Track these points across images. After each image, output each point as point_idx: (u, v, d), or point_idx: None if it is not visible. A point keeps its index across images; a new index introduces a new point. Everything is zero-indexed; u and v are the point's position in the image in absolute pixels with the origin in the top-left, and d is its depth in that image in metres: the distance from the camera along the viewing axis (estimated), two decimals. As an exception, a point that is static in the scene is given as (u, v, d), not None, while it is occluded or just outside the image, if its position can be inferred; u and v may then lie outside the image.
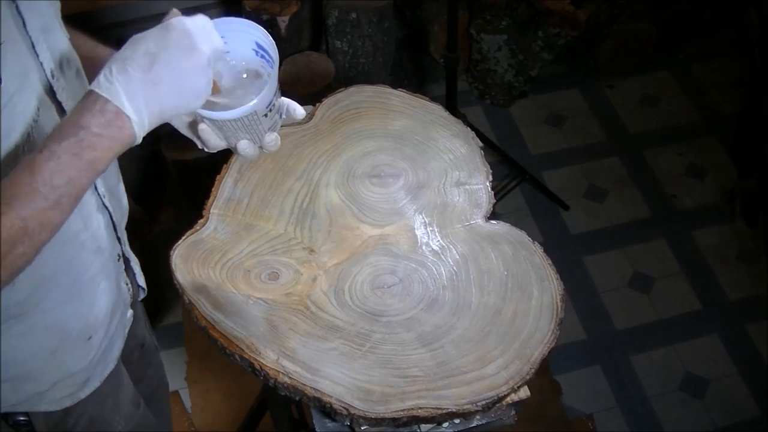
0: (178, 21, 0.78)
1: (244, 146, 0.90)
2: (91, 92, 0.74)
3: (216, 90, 0.85)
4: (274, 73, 0.86)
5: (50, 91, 0.86)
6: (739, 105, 2.85)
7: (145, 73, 0.75)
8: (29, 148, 0.81)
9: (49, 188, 0.72)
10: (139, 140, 0.77)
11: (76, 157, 0.73)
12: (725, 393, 2.22)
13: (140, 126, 0.76)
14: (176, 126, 0.95)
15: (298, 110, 0.95)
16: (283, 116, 0.94)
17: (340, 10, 2.39)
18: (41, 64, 0.84)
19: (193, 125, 0.92)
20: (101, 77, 0.75)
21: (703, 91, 2.99)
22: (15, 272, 0.75)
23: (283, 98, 0.93)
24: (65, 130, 0.73)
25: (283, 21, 2.32)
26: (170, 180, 2.43)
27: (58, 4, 0.91)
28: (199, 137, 0.91)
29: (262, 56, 0.88)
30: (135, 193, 2.26)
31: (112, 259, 1.06)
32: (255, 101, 0.84)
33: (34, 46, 0.83)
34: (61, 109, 0.87)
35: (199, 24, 0.79)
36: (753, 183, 2.59)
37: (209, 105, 0.85)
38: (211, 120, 0.87)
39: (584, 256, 2.51)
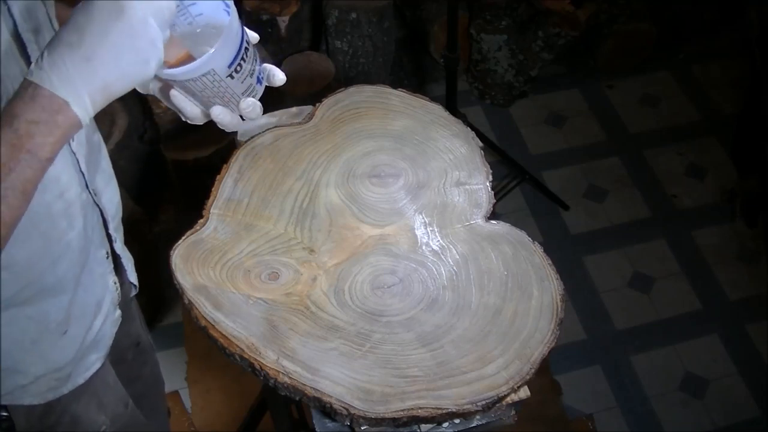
0: None
1: (218, 112, 0.86)
2: (24, 80, 0.71)
3: (184, 56, 0.81)
4: (231, 28, 0.80)
5: None
6: (739, 105, 2.85)
7: (74, 50, 0.69)
8: None
9: None
10: (85, 122, 0.72)
11: (13, 147, 0.68)
12: (725, 393, 2.22)
13: (82, 107, 0.71)
14: (159, 96, 0.90)
15: (278, 75, 0.91)
16: (264, 82, 0.90)
17: (340, 10, 2.39)
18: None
19: (165, 92, 0.87)
20: (33, 63, 0.70)
21: (703, 91, 2.99)
22: None
23: (265, 64, 0.90)
24: (1, 121, 0.69)
25: (283, 21, 2.32)
26: (170, 180, 2.43)
27: (52, 4, 0.90)
28: (174, 105, 0.87)
29: (227, 11, 0.83)
30: (135, 193, 2.26)
31: (100, 257, 1.06)
32: (205, 57, 0.79)
33: (25, 48, 0.82)
34: None
35: None
36: (753, 183, 2.59)
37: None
38: (173, 81, 0.83)
39: (584, 256, 2.51)
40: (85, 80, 0.70)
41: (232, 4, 0.82)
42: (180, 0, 0.77)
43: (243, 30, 0.84)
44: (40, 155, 0.70)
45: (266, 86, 0.92)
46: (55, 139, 0.70)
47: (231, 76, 0.83)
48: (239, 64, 0.83)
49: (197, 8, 0.84)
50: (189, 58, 0.83)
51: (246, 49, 0.84)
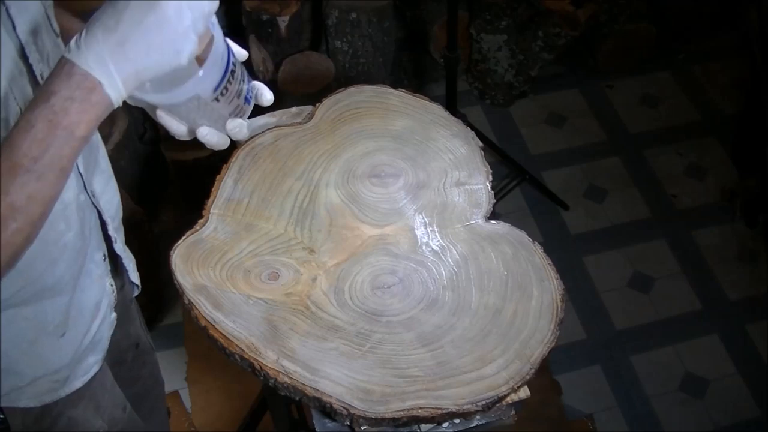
0: None
1: (204, 133, 0.87)
2: (61, 58, 0.73)
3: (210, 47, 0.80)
4: (216, 53, 0.80)
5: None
6: (739, 105, 2.85)
7: (110, 34, 0.71)
8: None
9: (29, 160, 0.70)
10: (118, 103, 0.74)
11: (50, 123, 0.70)
12: (725, 393, 2.22)
13: (114, 89, 0.72)
14: (146, 109, 0.90)
15: (267, 95, 0.91)
16: (252, 102, 0.90)
17: (340, 10, 2.39)
18: (30, 66, 0.84)
19: (153, 109, 0.88)
20: (72, 42, 0.72)
21: (703, 91, 2.99)
22: (15, 251, 0.73)
23: (254, 82, 0.89)
24: (38, 98, 0.71)
25: (283, 21, 2.32)
26: (170, 180, 2.43)
27: (51, 5, 0.91)
28: (160, 122, 0.88)
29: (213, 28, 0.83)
30: (135, 193, 2.26)
31: (97, 259, 1.05)
32: (189, 84, 0.79)
33: (23, 49, 0.83)
34: None
35: None
36: (753, 183, 2.59)
37: (179, 82, 0.80)
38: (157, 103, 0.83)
39: (584, 256, 2.51)
40: (118, 64, 0.72)
41: (217, 25, 0.81)
42: None
43: (229, 52, 0.83)
44: (75, 133, 0.72)
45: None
46: (89, 117, 0.72)
47: (217, 99, 0.83)
48: (225, 87, 0.82)
49: None
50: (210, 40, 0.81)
51: (232, 71, 0.83)
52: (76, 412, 1.12)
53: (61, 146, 0.71)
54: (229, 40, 0.85)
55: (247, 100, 0.88)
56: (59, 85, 0.71)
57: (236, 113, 0.87)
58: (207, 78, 0.80)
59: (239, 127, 0.88)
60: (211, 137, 0.87)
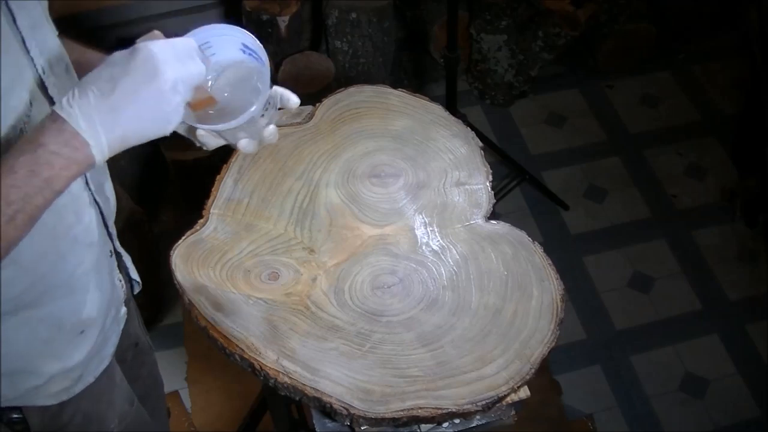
0: (144, 45, 0.77)
1: (245, 144, 0.92)
2: (52, 112, 0.76)
3: (208, 103, 0.86)
4: (265, 77, 0.87)
5: (42, 87, 0.87)
6: (739, 105, 2.85)
7: (104, 99, 0.75)
8: None
9: (3, 203, 0.73)
10: (100, 163, 0.77)
11: (32, 173, 0.73)
12: (725, 393, 2.22)
13: (99, 150, 0.76)
14: (181, 133, 0.96)
15: (292, 99, 0.95)
16: (278, 106, 0.94)
17: (340, 10, 2.39)
18: (32, 59, 0.86)
19: (191, 129, 0.93)
20: (64, 99, 0.76)
21: (703, 91, 2.99)
22: None
23: (276, 87, 0.93)
24: (24, 147, 0.74)
25: (283, 21, 2.32)
26: (170, 180, 2.43)
27: (46, 3, 0.92)
28: (200, 141, 0.93)
29: (250, 54, 0.89)
30: (135, 193, 2.26)
31: (105, 254, 1.06)
32: (253, 109, 0.85)
33: (24, 43, 0.84)
34: (52, 104, 0.88)
35: (168, 48, 0.78)
36: (753, 183, 2.59)
37: (203, 112, 0.86)
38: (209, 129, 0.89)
39: (584, 256, 2.51)
40: (107, 128, 0.76)
41: (265, 57, 0.87)
42: (202, 52, 0.83)
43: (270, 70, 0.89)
44: (53, 186, 0.75)
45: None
46: (70, 174, 0.76)
47: (262, 115, 0.90)
48: (268, 103, 0.89)
49: (216, 58, 0.89)
50: (210, 99, 0.87)
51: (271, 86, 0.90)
52: (90, 408, 1.14)
53: (36, 196, 0.74)
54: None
55: (275, 106, 0.94)
56: (48, 138, 0.74)
57: (270, 120, 0.93)
58: (259, 105, 0.86)
59: (274, 132, 0.93)
60: (250, 146, 0.93)
